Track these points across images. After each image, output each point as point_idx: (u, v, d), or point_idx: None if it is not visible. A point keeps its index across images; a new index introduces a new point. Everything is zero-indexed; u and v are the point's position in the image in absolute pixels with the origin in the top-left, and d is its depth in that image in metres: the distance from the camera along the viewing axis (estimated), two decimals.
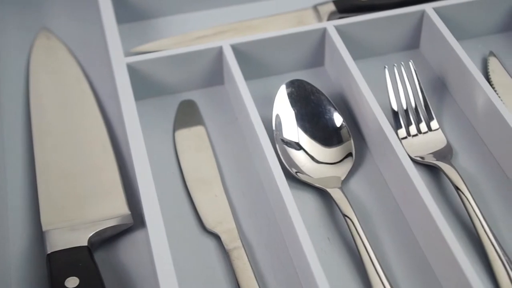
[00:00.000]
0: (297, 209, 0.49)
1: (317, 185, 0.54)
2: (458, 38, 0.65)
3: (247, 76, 0.62)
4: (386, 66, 0.59)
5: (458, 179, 0.53)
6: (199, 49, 0.60)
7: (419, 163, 0.56)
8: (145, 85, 0.60)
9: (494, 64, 0.63)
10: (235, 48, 0.60)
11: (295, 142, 0.56)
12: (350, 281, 0.50)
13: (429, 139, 0.57)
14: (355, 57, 0.63)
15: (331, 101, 0.58)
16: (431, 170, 0.56)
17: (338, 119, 0.57)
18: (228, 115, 0.60)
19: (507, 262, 0.49)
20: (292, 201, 0.49)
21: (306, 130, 0.56)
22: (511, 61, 0.64)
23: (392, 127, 0.57)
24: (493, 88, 0.61)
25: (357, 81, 0.57)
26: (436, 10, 0.63)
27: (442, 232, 0.47)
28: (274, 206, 0.53)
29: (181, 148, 0.57)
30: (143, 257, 0.51)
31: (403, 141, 0.57)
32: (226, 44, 0.60)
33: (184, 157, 0.57)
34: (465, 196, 0.52)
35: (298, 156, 0.55)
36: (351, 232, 0.51)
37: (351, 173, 0.56)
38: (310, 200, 0.54)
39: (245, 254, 0.50)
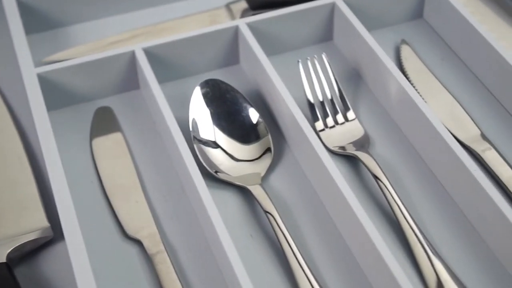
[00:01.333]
0: (216, 208, 0.49)
1: (237, 183, 0.54)
2: (371, 28, 0.66)
3: (163, 79, 0.61)
4: (300, 60, 0.59)
5: (376, 167, 0.54)
6: (111, 54, 0.59)
7: (338, 154, 0.57)
8: (58, 94, 0.59)
9: (406, 52, 0.64)
10: (148, 52, 0.60)
11: (212, 142, 0.56)
12: (275, 276, 0.50)
13: (347, 129, 0.58)
14: (270, 53, 0.64)
15: (247, 98, 0.58)
16: (350, 161, 0.57)
17: (254, 116, 0.57)
18: (145, 119, 0.60)
19: (428, 246, 0.50)
20: (211, 200, 0.49)
21: (223, 129, 0.56)
22: (423, 48, 0.65)
23: (310, 120, 0.57)
24: (407, 75, 0.62)
25: (271, 77, 0.57)
26: (346, 1, 0.64)
27: (361, 221, 0.48)
28: (195, 207, 0.53)
29: (98, 155, 0.57)
30: (65, 269, 0.50)
31: (321, 133, 0.57)
32: (138, 48, 0.59)
33: (102, 164, 0.56)
34: (383, 184, 0.53)
35: (216, 156, 0.55)
36: (273, 228, 0.51)
37: (270, 168, 0.56)
38: (231, 198, 0.54)
39: (168, 258, 0.50)
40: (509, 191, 0.53)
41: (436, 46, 0.65)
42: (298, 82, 0.59)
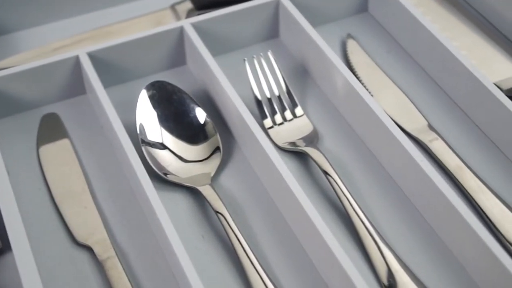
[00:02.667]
0: (165, 210, 0.48)
1: (186, 184, 0.54)
2: (316, 23, 0.66)
3: (109, 83, 0.61)
4: (246, 59, 0.59)
5: (325, 163, 0.54)
6: (55, 60, 0.59)
7: (288, 151, 0.57)
8: (3, 103, 0.59)
9: (352, 46, 0.64)
10: (92, 56, 0.59)
11: (160, 144, 0.55)
12: (227, 276, 0.50)
13: (295, 126, 0.58)
14: (217, 52, 0.63)
15: (194, 99, 0.58)
16: (300, 157, 0.57)
17: (201, 116, 0.57)
18: (93, 124, 0.59)
19: (378, 237, 0.50)
20: (160, 203, 0.49)
21: (170, 131, 0.56)
22: (369, 41, 0.66)
23: (258, 118, 0.57)
24: (353, 69, 0.62)
25: (217, 77, 0.57)
26: None
27: (310, 216, 0.48)
28: (145, 210, 0.52)
29: (46, 163, 0.56)
30: (16, 280, 0.50)
31: (269, 130, 0.57)
32: (82, 52, 0.59)
33: (49, 172, 0.55)
34: (333, 178, 0.53)
35: (164, 157, 0.55)
36: (224, 228, 0.51)
37: (220, 168, 0.56)
38: (182, 200, 0.54)
39: (119, 263, 0.49)
40: (456, 179, 0.54)
41: (382, 39, 0.66)
42: (245, 80, 0.59)
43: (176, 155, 0.55)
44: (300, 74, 0.63)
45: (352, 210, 0.51)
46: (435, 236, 0.51)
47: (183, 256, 0.46)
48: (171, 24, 0.61)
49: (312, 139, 0.57)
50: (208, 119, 0.57)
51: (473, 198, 0.52)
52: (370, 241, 0.50)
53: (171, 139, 0.56)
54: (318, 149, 0.55)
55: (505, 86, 0.59)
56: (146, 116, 0.56)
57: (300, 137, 0.57)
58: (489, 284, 0.47)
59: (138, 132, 0.56)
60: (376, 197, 0.54)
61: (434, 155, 0.55)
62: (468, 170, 0.54)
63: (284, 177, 0.50)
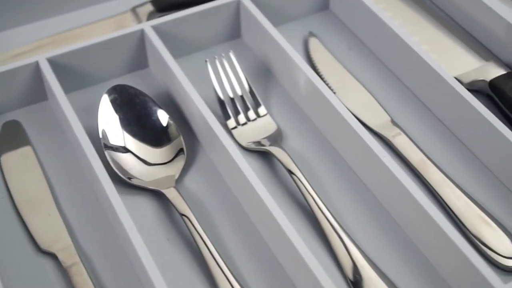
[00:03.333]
0: (128, 214, 0.48)
1: (151, 187, 0.53)
2: (278, 22, 0.66)
3: (70, 88, 0.60)
4: (207, 60, 0.59)
5: (289, 161, 0.54)
6: (14, 67, 0.58)
7: (252, 151, 0.57)
8: None
9: (314, 44, 0.64)
10: (52, 62, 0.59)
11: (123, 148, 0.55)
12: (194, 278, 0.49)
13: (259, 125, 0.58)
14: (179, 54, 0.63)
15: (156, 101, 0.58)
16: (265, 157, 0.57)
17: (164, 118, 0.57)
18: (55, 130, 0.59)
19: (344, 234, 0.50)
20: (123, 207, 0.48)
21: (133, 134, 0.56)
22: (331, 38, 0.66)
23: (220, 118, 0.57)
24: (316, 67, 0.62)
25: (179, 79, 0.57)
26: None
27: (275, 216, 0.48)
28: (109, 215, 0.52)
29: (7, 171, 0.55)
30: None
31: (233, 131, 0.57)
32: (42, 58, 0.58)
33: (11, 180, 0.55)
34: (297, 177, 0.53)
35: (128, 161, 0.55)
36: (189, 230, 0.50)
37: (185, 170, 0.56)
38: (147, 203, 0.54)
39: (84, 269, 0.49)
40: (420, 174, 0.54)
41: (343, 36, 0.66)
42: (208, 82, 0.59)
43: (139, 158, 0.55)
44: (263, 73, 0.63)
45: (317, 208, 0.51)
46: (401, 231, 0.51)
47: (148, 260, 0.46)
48: (132, 27, 0.61)
49: (276, 138, 0.57)
50: (171, 121, 0.57)
51: (437, 192, 0.53)
52: (335, 238, 0.50)
53: (134, 142, 0.55)
54: (282, 148, 0.55)
55: (466, 80, 0.59)
56: (108, 120, 0.56)
57: (264, 136, 0.57)
58: (454, 276, 0.48)
59: (101, 136, 0.55)
60: (341, 194, 0.54)
61: (398, 150, 0.56)
62: (431, 164, 0.54)
63: (247, 177, 0.50)
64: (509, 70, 0.59)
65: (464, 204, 0.52)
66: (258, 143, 0.56)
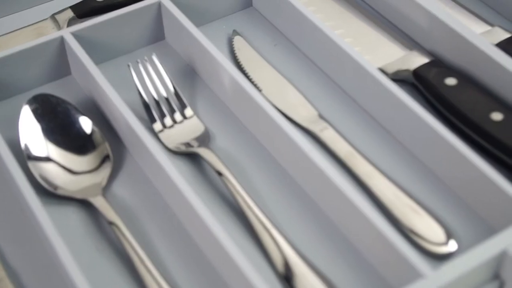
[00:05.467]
0: (52, 225, 0.47)
1: (77, 196, 0.52)
2: (202, 22, 0.66)
3: None
4: (130, 64, 0.58)
5: (217, 162, 0.53)
6: None
7: (180, 153, 0.56)
8: None
9: (238, 42, 0.64)
10: None
11: (46, 158, 0.54)
12: (124, 287, 0.49)
13: (186, 127, 0.57)
14: (102, 59, 0.62)
15: (79, 109, 0.57)
16: (194, 159, 0.56)
17: (87, 126, 0.56)
18: None
19: (275, 231, 0.50)
20: (47, 218, 0.47)
21: (57, 143, 0.54)
22: (255, 35, 0.65)
23: (147, 122, 0.57)
24: (241, 65, 0.62)
25: (101, 85, 0.56)
26: None
27: (203, 218, 0.47)
28: (35, 227, 0.51)
29: None
30: None
31: (160, 134, 0.57)
32: None
33: None
34: (226, 177, 0.52)
35: (52, 171, 0.53)
36: (119, 238, 0.50)
37: (112, 177, 0.55)
38: (75, 213, 0.53)
39: (10, 285, 0.48)
40: (348, 166, 0.54)
41: (268, 33, 0.66)
42: (133, 86, 0.58)
43: (64, 167, 0.54)
44: (189, 74, 0.62)
45: (246, 207, 0.51)
46: (332, 225, 0.51)
47: (75, 272, 0.45)
48: (50, 34, 0.60)
49: (203, 139, 0.56)
50: (95, 128, 0.56)
51: (365, 183, 0.53)
52: (266, 236, 0.50)
53: (57, 152, 0.54)
54: (210, 149, 0.55)
55: (390, 70, 0.60)
56: (30, 131, 0.54)
57: (191, 138, 0.56)
58: (384, 265, 0.48)
59: (23, 148, 0.54)
60: (272, 191, 0.54)
61: (326, 144, 0.55)
62: (359, 156, 0.54)
63: (174, 180, 0.49)
64: (433, 59, 0.60)
65: (393, 194, 0.52)
66: (186, 145, 0.56)
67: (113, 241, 0.51)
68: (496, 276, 0.46)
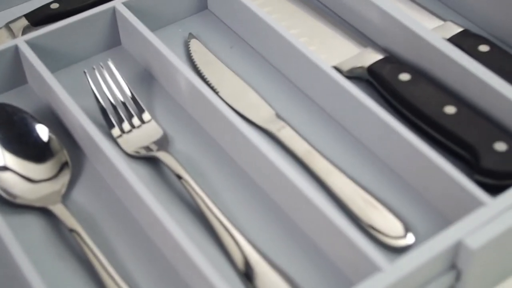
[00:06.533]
0: (11, 235, 0.47)
1: (36, 205, 0.52)
2: (158, 26, 0.66)
3: None
4: (85, 70, 0.58)
5: (176, 166, 0.54)
6: None
7: (139, 158, 0.56)
8: None
9: (194, 45, 0.64)
10: None
11: (3, 167, 0.54)
12: None
13: (144, 132, 0.57)
14: (58, 67, 0.62)
15: (36, 117, 0.56)
16: (153, 163, 0.56)
17: (44, 133, 0.55)
18: None
19: (235, 232, 0.50)
20: (6, 228, 0.47)
21: (14, 152, 0.54)
22: (212, 38, 0.66)
23: (105, 128, 0.57)
24: (198, 68, 0.62)
25: (56, 93, 0.56)
26: (127, 4, 0.63)
27: (161, 221, 0.48)
28: None
29: None
30: None
31: (118, 139, 0.57)
32: None
33: None
34: (185, 180, 0.53)
35: (10, 181, 0.53)
36: (80, 245, 0.49)
37: (72, 184, 0.55)
38: (35, 222, 0.52)
39: None
40: (306, 164, 0.54)
41: (224, 35, 0.66)
42: (90, 92, 0.58)
43: (22, 176, 0.53)
44: (146, 79, 0.63)
45: (206, 208, 0.51)
46: (292, 223, 0.52)
47: (36, 281, 0.45)
48: (4, 44, 0.59)
49: (162, 143, 0.56)
50: (52, 136, 0.55)
51: (324, 181, 0.53)
52: (226, 237, 0.50)
53: (15, 160, 0.54)
54: (169, 152, 0.55)
55: (345, 68, 0.60)
56: None
57: (150, 142, 0.57)
58: (344, 261, 0.48)
59: None
60: (232, 192, 0.54)
61: (283, 143, 0.56)
62: (317, 154, 0.55)
63: (132, 184, 0.50)
64: (386, 55, 0.61)
65: (352, 190, 0.53)
66: (145, 149, 0.56)
67: (75, 248, 0.51)
68: (453, 266, 0.47)
